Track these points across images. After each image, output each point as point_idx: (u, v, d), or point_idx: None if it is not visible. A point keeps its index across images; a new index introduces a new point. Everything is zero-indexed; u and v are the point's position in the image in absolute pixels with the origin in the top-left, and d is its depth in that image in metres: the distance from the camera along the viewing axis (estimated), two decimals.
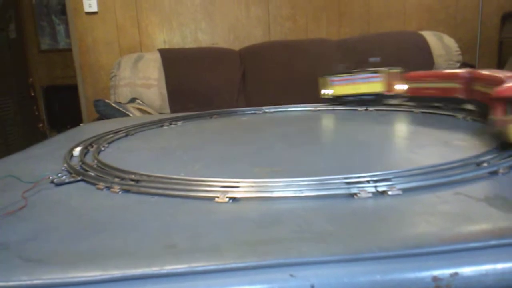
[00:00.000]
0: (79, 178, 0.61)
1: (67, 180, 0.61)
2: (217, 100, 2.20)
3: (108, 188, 0.55)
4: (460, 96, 0.91)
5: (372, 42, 2.30)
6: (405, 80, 1.06)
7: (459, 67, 2.21)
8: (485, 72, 0.82)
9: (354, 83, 1.11)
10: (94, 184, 0.57)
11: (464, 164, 0.53)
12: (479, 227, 0.38)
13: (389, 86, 1.09)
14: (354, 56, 2.22)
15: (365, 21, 2.53)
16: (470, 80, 0.88)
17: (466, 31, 2.57)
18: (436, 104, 0.99)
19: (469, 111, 0.91)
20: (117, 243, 0.39)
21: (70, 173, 0.64)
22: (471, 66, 2.32)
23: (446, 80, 0.95)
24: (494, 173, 0.51)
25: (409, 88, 1.05)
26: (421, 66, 2.19)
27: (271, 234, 0.39)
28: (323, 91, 1.15)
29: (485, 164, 0.53)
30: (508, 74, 0.70)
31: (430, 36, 2.32)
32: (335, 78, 1.13)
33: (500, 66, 2.54)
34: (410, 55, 2.22)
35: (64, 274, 0.33)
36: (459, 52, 2.30)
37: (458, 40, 2.33)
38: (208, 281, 0.33)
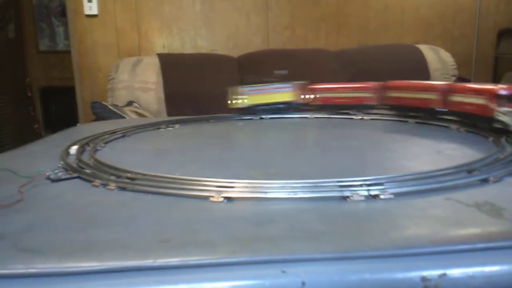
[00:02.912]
0: (75, 175, 0.62)
1: (63, 177, 0.61)
2: (214, 106, 2.19)
3: (104, 185, 0.56)
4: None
5: (370, 53, 2.32)
6: (311, 91, 1.19)
7: (455, 82, 2.23)
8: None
9: (267, 93, 1.18)
10: (90, 181, 0.58)
11: (455, 171, 0.54)
12: (468, 231, 0.39)
13: (298, 95, 1.19)
14: (352, 67, 2.24)
15: (363, 33, 2.56)
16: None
17: (462, 46, 2.60)
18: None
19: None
20: (112, 236, 0.39)
21: (66, 170, 0.64)
22: (467, 80, 2.35)
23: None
24: (484, 181, 0.52)
25: (319, 97, 1.19)
26: (417, 79, 2.20)
27: (264, 232, 0.40)
28: (232, 101, 1.18)
29: (476, 172, 0.54)
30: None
31: (426, 50, 2.35)
32: (247, 88, 1.17)
33: (495, 81, 2.57)
34: (407, 67, 2.24)
35: (60, 264, 0.34)
36: (455, 67, 2.33)
37: (454, 55, 2.36)
38: (201, 274, 0.33)
